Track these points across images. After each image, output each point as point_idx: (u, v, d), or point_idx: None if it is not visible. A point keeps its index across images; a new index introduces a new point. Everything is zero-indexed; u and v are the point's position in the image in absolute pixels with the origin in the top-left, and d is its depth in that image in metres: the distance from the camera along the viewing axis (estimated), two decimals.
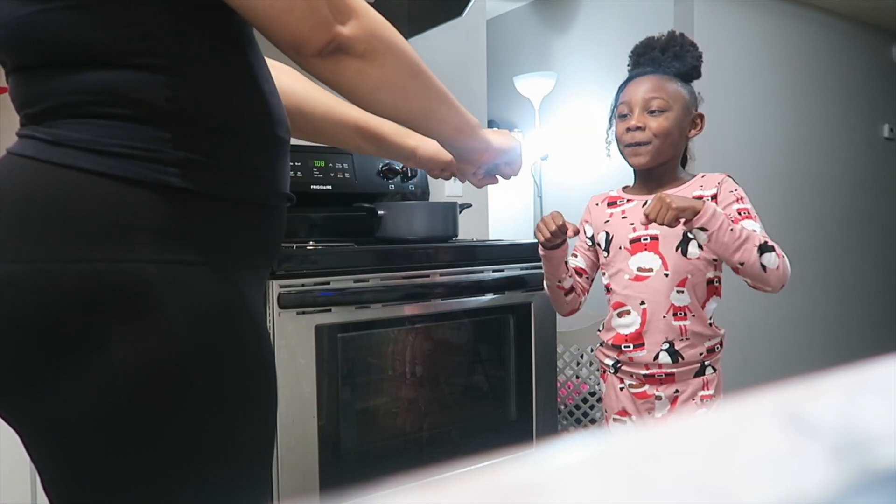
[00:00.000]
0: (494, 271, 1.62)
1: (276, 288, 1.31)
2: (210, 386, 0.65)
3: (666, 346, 1.25)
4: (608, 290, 1.33)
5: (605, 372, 1.36)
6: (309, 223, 1.92)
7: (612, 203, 1.36)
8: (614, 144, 1.33)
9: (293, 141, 0.79)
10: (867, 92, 3.61)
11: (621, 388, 1.32)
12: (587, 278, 1.39)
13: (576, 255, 1.38)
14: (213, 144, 0.66)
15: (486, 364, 1.71)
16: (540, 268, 1.37)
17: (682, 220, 1.10)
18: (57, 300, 0.59)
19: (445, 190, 2.23)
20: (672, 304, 1.24)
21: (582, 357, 2.28)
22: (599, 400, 2.24)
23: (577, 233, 1.21)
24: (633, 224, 1.29)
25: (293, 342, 1.34)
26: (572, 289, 1.34)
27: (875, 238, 3.69)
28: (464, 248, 1.63)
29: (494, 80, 2.90)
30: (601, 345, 1.36)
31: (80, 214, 0.60)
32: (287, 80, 0.95)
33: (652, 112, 1.25)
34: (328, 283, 1.38)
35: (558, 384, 1.99)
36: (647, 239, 1.27)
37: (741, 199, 1.23)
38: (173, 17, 0.64)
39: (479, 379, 1.71)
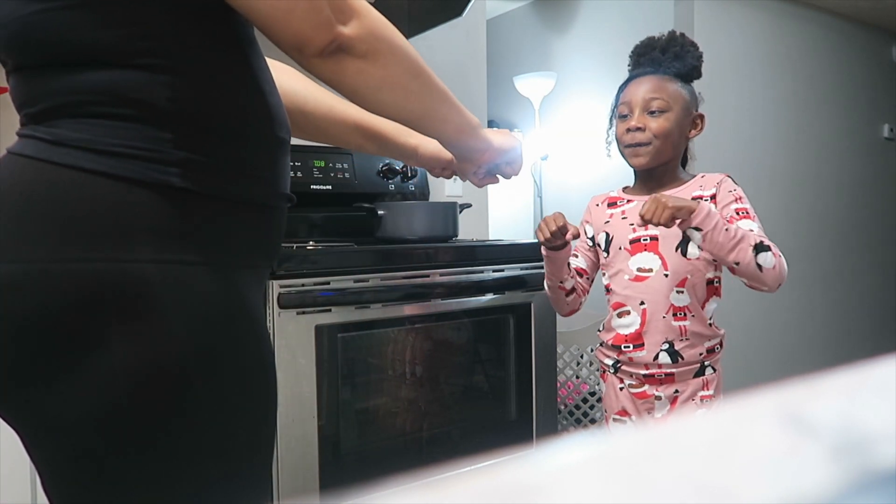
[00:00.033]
0: (494, 271, 1.62)
1: (276, 288, 1.31)
2: (210, 386, 0.65)
3: (666, 346, 1.25)
4: (608, 290, 1.33)
5: (604, 372, 1.36)
6: (309, 223, 1.92)
7: (612, 203, 1.36)
8: (614, 145, 1.33)
9: (293, 141, 0.79)
10: (867, 92, 3.61)
11: (621, 388, 1.32)
12: (587, 279, 1.38)
13: (576, 256, 1.38)
14: (214, 144, 0.66)
15: (486, 364, 1.71)
16: (540, 268, 1.37)
17: (678, 221, 1.10)
18: (57, 300, 0.59)
19: (445, 190, 2.23)
20: (672, 305, 1.24)
21: (582, 357, 2.28)
22: (599, 400, 2.24)
23: (576, 236, 1.21)
24: (633, 224, 1.29)
25: (293, 342, 1.34)
26: (573, 289, 1.34)
27: (875, 238, 3.69)
28: (464, 248, 1.63)
29: (494, 80, 2.91)
30: (601, 345, 1.36)
31: (81, 214, 0.60)
32: (288, 79, 0.95)
33: (652, 113, 1.25)
34: (328, 283, 1.38)
35: (558, 384, 1.99)
36: (646, 239, 1.27)
37: (740, 198, 1.23)
38: (174, 17, 0.64)
39: (479, 379, 1.71)
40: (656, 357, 1.26)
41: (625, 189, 1.37)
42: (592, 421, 2.26)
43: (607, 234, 1.33)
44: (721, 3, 2.91)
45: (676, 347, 1.25)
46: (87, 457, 0.62)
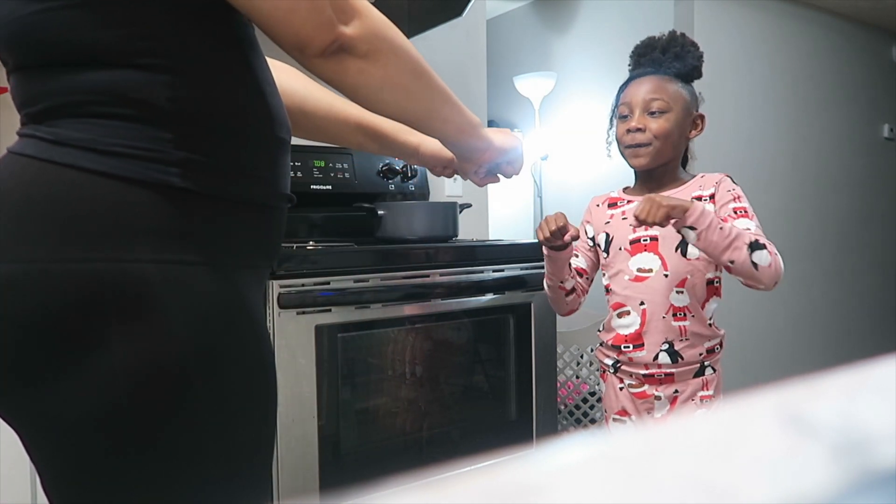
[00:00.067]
0: (494, 271, 1.62)
1: (276, 288, 1.31)
2: (210, 386, 0.65)
3: (665, 346, 1.25)
4: (608, 290, 1.33)
5: (604, 372, 1.36)
6: (309, 223, 1.92)
7: (612, 204, 1.36)
8: (615, 145, 1.33)
9: (293, 141, 0.80)
10: (867, 92, 3.61)
11: (621, 388, 1.32)
12: (587, 279, 1.39)
13: (577, 255, 1.38)
14: (214, 144, 0.66)
15: (486, 364, 1.71)
16: (540, 268, 1.37)
17: (673, 220, 1.10)
18: (57, 300, 0.59)
19: (445, 190, 2.23)
20: (671, 305, 1.24)
21: (582, 357, 2.28)
22: (599, 400, 2.24)
23: (575, 237, 1.21)
24: (633, 225, 1.29)
25: (293, 342, 1.34)
26: (573, 289, 1.34)
27: (875, 238, 3.69)
28: (464, 248, 1.63)
29: (494, 80, 2.91)
30: (601, 345, 1.37)
31: (81, 214, 0.60)
32: (288, 79, 0.95)
33: (652, 113, 1.25)
34: (328, 283, 1.38)
35: (558, 384, 1.99)
36: (646, 240, 1.27)
37: (738, 197, 1.22)
38: (174, 17, 0.64)
39: (479, 379, 1.71)
40: (656, 357, 1.26)
41: (625, 189, 1.37)
42: (592, 421, 2.26)
43: (607, 235, 1.33)
44: (721, 3, 2.91)
45: (676, 347, 1.25)
46: (87, 457, 0.62)
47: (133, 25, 0.63)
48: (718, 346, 1.29)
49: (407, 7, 1.84)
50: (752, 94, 3.05)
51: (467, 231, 2.12)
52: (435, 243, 1.65)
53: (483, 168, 1.02)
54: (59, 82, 0.63)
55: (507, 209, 3.29)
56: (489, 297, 1.61)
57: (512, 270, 1.64)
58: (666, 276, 1.25)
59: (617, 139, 1.31)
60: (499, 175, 1.05)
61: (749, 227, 1.16)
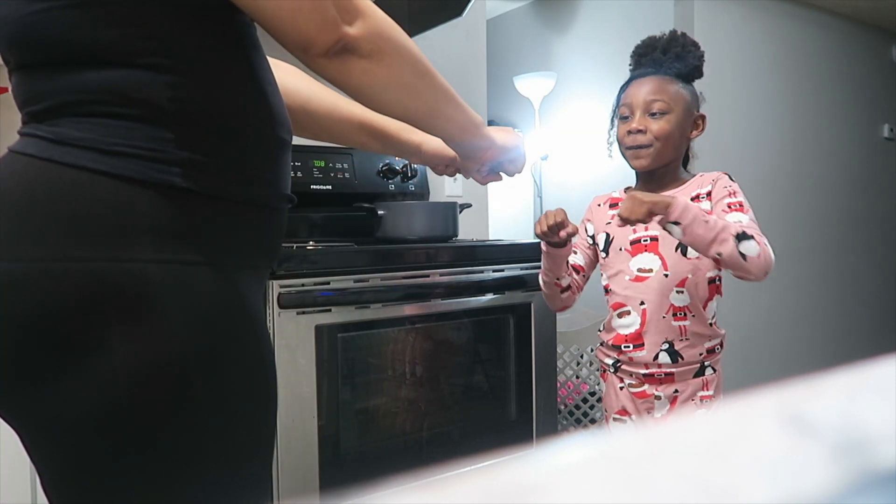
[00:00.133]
0: (494, 271, 1.62)
1: (276, 288, 1.31)
2: (210, 386, 0.65)
3: (665, 346, 1.25)
4: (607, 290, 1.33)
5: (605, 371, 1.36)
6: (309, 223, 1.92)
7: (613, 204, 1.36)
8: (616, 145, 1.33)
9: (293, 141, 0.80)
10: (867, 92, 3.61)
11: (621, 388, 1.32)
12: (583, 276, 1.38)
13: (575, 252, 1.38)
14: (215, 145, 0.66)
15: (486, 364, 1.71)
16: (540, 267, 1.37)
17: (658, 217, 1.10)
18: (57, 300, 0.59)
19: (445, 190, 2.23)
20: (672, 305, 1.24)
21: (582, 357, 2.28)
22: (599, 400, 2.24)
23: (571, 234, 1.20)
24: (619, 225, 1.29)
25: (293, 342, 1.34)
26: (569, 286, 1.33)
27: (875, 238, 3.69)
28: (464, 248, 1.63)
29: (494, 80, 2.91)
30: (601, 344, 1.37)
31: (82, 213, 0.60)
32: (291, 79, 0.95)
33: (653, 114, 1.25)
34: (328, 283, 1.38)
35: (558, 384, 1.99)
36: (647, 240, 1.27)
37: (733, 193, 1.22)
38: (176, 17, 0.64)
39: (479, 379, 1.71)
40: (656, 357, 1.26)
41: (627, 190, 1.37)
42: (592, 421, 2.26)
43: (608, 235, 1.33)
44: (721, 3, 2.91)
45: (676, 347, 1.25)
46: (87, 457, 0.62)
47: (135, 25, 0.63)
48: (719, 347, 1.29)
49: (407, 7, 1.84)
50: (751, 95, 3.05)
51: (467, 231, 2.12)
52: (435, 243, 1.65)
53: (485, 166, 1.02)
54: (61, 81, 0.63)
55: (507, 209, 3.29)
56: (489, 297, 1.61)
57: (512, 270, 1.64)
58: (666, 275, 1.25)
59: (618, 140, 1.31)
60: (501, 173, 1.05)
61: (741, 221, 1.15)
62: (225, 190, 0.67)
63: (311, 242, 1.61)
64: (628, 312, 1.28)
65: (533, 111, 3.18)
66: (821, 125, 3.37)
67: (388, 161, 2.00)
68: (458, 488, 0.16)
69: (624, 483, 0.17)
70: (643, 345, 1.27)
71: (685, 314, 1.25)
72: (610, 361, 1.33)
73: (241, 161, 0.69)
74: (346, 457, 1.43)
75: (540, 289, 1.39)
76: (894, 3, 3.26)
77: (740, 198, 1.21)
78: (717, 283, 1.27)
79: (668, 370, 1.26)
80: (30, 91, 0.65)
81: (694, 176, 1.30)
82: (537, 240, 1.31)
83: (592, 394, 2.26)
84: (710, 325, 1.27)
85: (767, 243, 1.12)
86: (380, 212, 1.73)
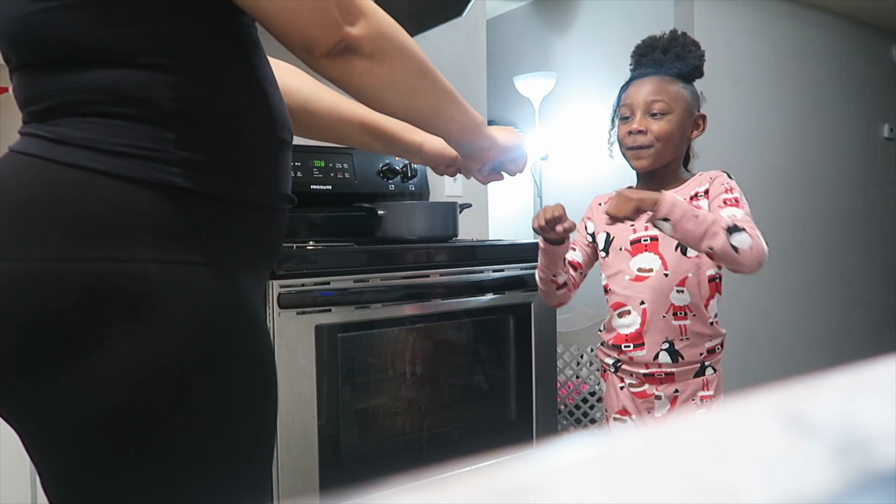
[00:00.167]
0: (494, 271, 1.62)
1: (276, 288, 1.31)
2: (210, 386, 0.65)
3: (666, 345, 1.25)
4: (607, 290, 1.33)
5: (605, 371, 1.36)
6: (309, 223, 1.92)
7: None
8: (617, 145, 1.33)
9: (294, 140, 0.80)
10: (867, 92, 3.61)
11: (621, 388, 1.32)
12: (581, 273, 1.38)
13: (574, 249, 1.38)
14: (216, 145, 0.66)
15: (486, 364, 1.71)
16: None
17: (648, 215, 1.09)
18: (58, 299, 0.59)
19: (445, 190, 2.23)
20: (672, 304, 1.24)
21: (582, 357, 2.28)
22: (599, 400, 2.24)
23: (568, 230, 1.20)
24: (633, 225, 1.29)
25: (293, 342, 1.34)
26: (565, 283, 1.33)
27: (875, 238, 3.69)
28: (464, 248, 1.63)
29: (494, 80, 2.91)
30: (602, 344, 1.37)
31: (82, 213, 0.60)
32: (292, 78, 0.95)
33: (654, 115, 1.25)
34: (328, 283, 1.38)
35: (558, 384, 1.99)
36: (647, 240, 1.27)
37: (730, 189, 1.21)
38: (177, 17, 0.64)
39: (479, 379, 1.71)
40: (656, 356, 1.26)
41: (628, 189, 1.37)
42: (592, 421, 2.26)
43: (608, 235, 1.33)
44: (721, 3, 2.91)
45: (676, 347, 1.25)
46: (87, 457, 0.62)
47: (136, 25, 0.63)
48: (719, 347, 1.29)
49: (407, 7, 1.84)
50: (751, 94, 3.05)
51: (467, 231, 2.12)
52: (435, 243, 1.65)
53: (487, 166, 1.02)
54: (62, 81, 0.63)
55: (507, 209, 3.29)
56: (489, 297, 1.61)
57: (512, 270, 1.63)
58: (666, 275, 1.25)
59: (618, 140, 1.31)
60: (502, 173, 1.05)
61: (735, 215, 1.14)
62: (225, 190, 0.67)
63: (311, 242, 1.61)
64: (628, 312, 1.28)
65: (533, 111, 3.18)
66: (821, 125, 3.37)
67: (388, 161, 2.00)
68: (458, 488, 0.16)
69: (624, 483, 0.17)
70: (643, 344, 1.27)
71: (685, 313, 1.25)
72: (610, 361, 1.34)
73: (241, 161, 0.69)
74: (346, 457, 1.43)
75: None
76: (894, 3, 3.26)
77: (736, 194, 1.20)
78: (718, 281, 1.27)
79: (669, 370, 1.26)
80: (30, 90, 0.65)
81: (693, 175, 1.30)
82: (537, 239, 1.31)
83: (592, 394, 2.26)
84: (711, 324, 1.27)
85: (761, 236, 1.11)
86: (380, 212, 1.73)
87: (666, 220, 1.08)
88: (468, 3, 1.84)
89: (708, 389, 1.28)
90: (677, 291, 1.24)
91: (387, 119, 1.01)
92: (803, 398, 0.21)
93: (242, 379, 0.68)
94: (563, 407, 2.26)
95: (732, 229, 1.08)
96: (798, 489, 0.17)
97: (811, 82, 3.32)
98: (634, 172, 1.34)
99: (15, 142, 0.65)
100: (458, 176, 1.11)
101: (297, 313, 1.34)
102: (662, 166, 1.27)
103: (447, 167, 1.09)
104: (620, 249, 1.30)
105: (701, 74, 1.31)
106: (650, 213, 1.09)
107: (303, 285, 1.34)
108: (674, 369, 1.26)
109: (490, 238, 2.24)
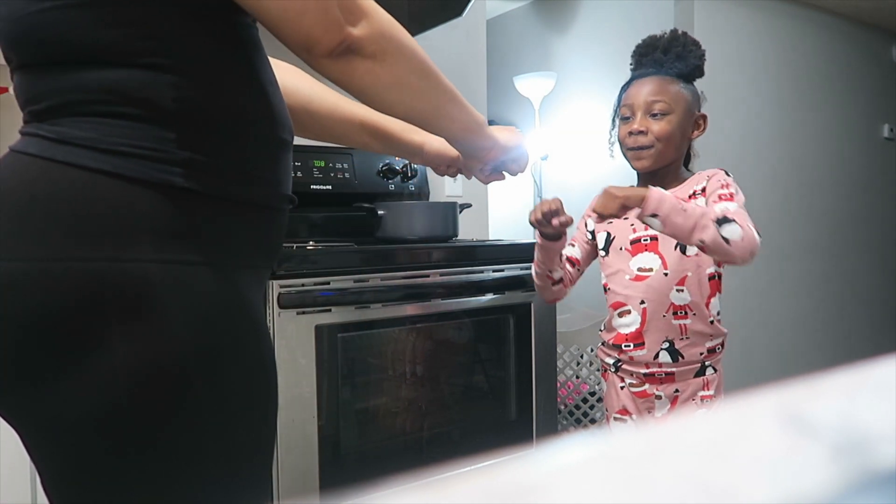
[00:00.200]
0: (494, 271, 1.62)
1: (276, 288, 1.31)
2: (210, 386, 0.65)
3: (666, 344, 1.25)
4: (606, 289, 1.33)
5: (606, 371, 1.36)
6: (309, 223, 1.92)
7: None
8: (617, 145, 1.33)
9: (295, 140, 0.80)
10: (867, 92, 3.61)
11: (622, 388, 1.32)
12: (578, 269, 1.38)
13: (572, 245, 1.38)
14: (217, 145, 0.66)
15: (486, 364, 1.71)
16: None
17: (636, 211, 1.09)
18: (58, 299, 0.59)
19: (445, 190, 2.23)
20: (672, 303, 1.24)
21: (582, 357, 2.28)
22: (599, 400, 2.24)
23: (564, 224, 1.18)
24: (633, 225, 1.29)
25: (293, 342, 1.34)
26: (560, 279, 1.33)
27: (875, 238, 3.69)
28: (464, 248, 1.63)
29: (494, 80, 2.91)
30: (602, 344, 1.37)
31: (83, 213, 0.60)
32: (292, 79, 0.95)
33: (654, 115, 1.24)
34: (328, 283, 1.38)
35: (558, 384, 1.99)
36: (647, 239, 1.27)
37: (726, 185, 1.20)
38: (178, 17, 0.64)
39: (479, 379, 1.71)
40: (656, 356, 1.26)
41: None
42: (592, 421, 2.26)
43: (608, 234, 1.33)
44: (721, 3, 2.91)
45: (677, 346, 1.25)
46: (87, 457, 0.62)
47: (137, 25, 0.63)
48: (720, 346, 1.29)
49: (407, 7, 1.84)
50: (751, 94, 3.05)
51: (467, 231, 2.12)
52: (435, 243, 1.65)
53: (488, 166, 1.02)
54: (63, 81, 0.63)
55: (507, 209, 3.29)
56: (489, 297, 1.61)
57: (512, 270, 1.63)
58: (666, 274, 1.25)
59: (619, 140, 1.31)
60: (504, 173, 1.05)
61: (728, 209, 1.13)
62: (226, 190, 0.67)
63: (311, 242, 1.61)
64: (629, 312, 1.28)
65: (533, 111, 3.18)
66: (821, 125, 3.37)
67: (388, 161, 2.00)
68: (458, 488, 0.16)
69: (624, 483, 0.17)
70: (643, 344, 1.27)
71: (686, 312, 1.25)
72: (611, 361, 1.34)
73: (241, 161, 0.69)
74: (346, 457, 1.43)
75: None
76: (894, 3, 3.26)
77: (731, 189, 1.19)
78: (718, 279, 1.27)
79: (669, 370, 1.26)
80: (31, 90, 0.65)
81: (693, 174, 1.30)
82: (529, 222, 1.29)
83: (592, 394, 2.26)
84: (712, 322, 1.26)
85: (753, 227, 1.10)
86: (380, 212, 1.73)
87: (654, 216, 1.08)
88: (468, 3, 1.84)
89: (708, 389, 1.28)
90: (677, 291, 1.24)
91: (388, 119, 1.01)
92: (803, 398, 0.21)
93: (242, 379, 0.68)
94: (563, 407, 2.26)
95: (722, 221, 1.07)
96: (798, 489, 0.17)
97: (811, 82, 3.32)
98: (635, 172, 1.34)
99: (16, 141, 0.65)
100: (459, 176, 1.11)
101: (297, 313, 1.34)
102: (663, 166, 1.27)
103: (448, 168, 1.09)
104: (620, 249, 1.30)
105: (701, 74, 1.31)
106: (638, 209, 1.09)
107: (303, 285, 1.34)
108: (674, 369, 1.26)
109: (490, 238, 2.24)
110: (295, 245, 1.48)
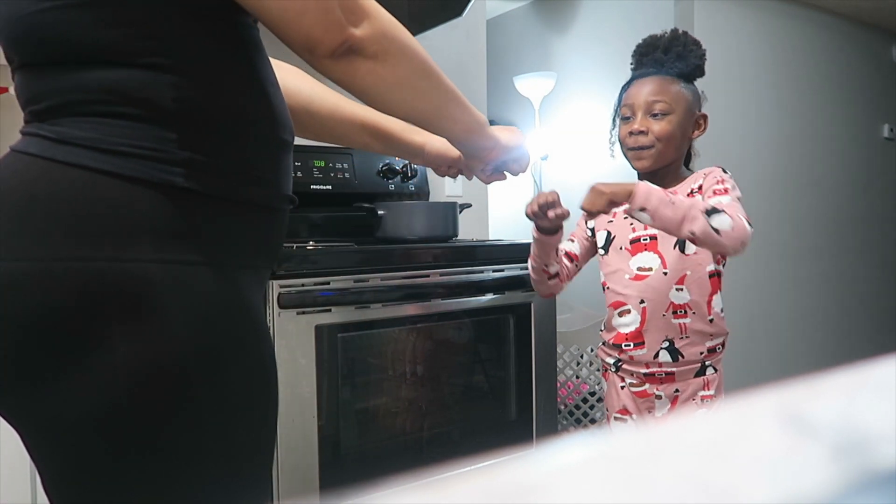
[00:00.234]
0: (494, 271, 1.62)
1: (276, 288, 1.31)
2: (210, 386, 0.65)
3: (666, 344, 1.25)
4: (605, 288, 1.33)
5: (606, 370, 1.36)
6: (309, 223, 1.92)
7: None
8: (618, 145, 1.33)
9: (295, 140, 0.80)
10: (867, 92, 3.61)
11: (622, 387, 1.32)
12: (576, 265, 1.37)
13: (572, 241, 1.38)
14: (217, 145, 0.66)
15: (486, 364, 1.71)
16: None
17: (624, 207, 1.09)
18: (58, 299, 0.59)
19: (445, 190, 2.23)
20: (671, 303, 1.24)
21: (582, 357, 2.28)
22: (599, 400, 2.24)
23: (560, 216, 1.18)
24: (632, 224, 1.29)
25: (293, 342, 1.34)
26: (556, 274, 1.32)
27: (875, 238, 3.69)
28: (464, 248, 1.63)
29: (494, 80, 2.91)
30: (603, 344, 1.37)
31: (83, 213, 0.60)
32: (294, 80, 0.95)
33: (654, 115, 1.25)
34: (328, 283, 1.38)
35: (558, 384, 1.99)
36: (646, 239, 1.27)
37: (721, 181, 1.20)
38: (180, 18, 0.64)
39: (479, 379, 1.71)
40: (656, 355, 1.26)
41: None
42: (592, 421, 2.26)
43: (608, 234, 1.33)
44: (721, 3, 2.91)
45: (676, 345, 1.25)
46: (87, 456, 0.62)
47: (138, 25, 0.63)
48: (720, 346, 1.29)
49: (407, 7, 1.84)
50: (751, 94, 3.05)
51: (467, 231, 2.12)
52: (435, 243, 1.65)
53: (490, 166, 1.02)
54: (64, 81, 0.63)
55: (507, 209, 3.29)
56: (489, 297, 1.61)
57: (512, 270, 1.63)
58: (665, 273, 1.25)
59: (619, 140, 1.31)
60: (505, 173, 1.05)
61: (721, 202, 1.13)
62: (226, 190, 0.67)
63: (311, 242, 1.61)
64: (628, 311, 1.28)
65: (533, 111, 3.18)
66: (821, 125, 3.37)
67: (388, 161, 2.00)
68: (458, 488, 0.16)
69: (624, 483, 0.17)
70: (643, 343, 1.27)
71: (685, 311, 1.25)
72: (611, 361, 1.34)
73: (242, 161, 0.69)
74: (346, 457, 1.43)
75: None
76: (894, 3, 3.26)
77: (726, 184, 1.19)
78: (719, 276, 1.27)
79: (669, 369, 1.26)
80: (32, 90, 0.65)
81: (693, 173, 1.30)
82: (525, 214, 1.28)
83: (592, 394, 2.26)
84: (711, 321, 1.26)
85: (745, 218, 1.09)
86: (380, 212, 1.73)
87: (643, 210, 1.07)
88: (468, 3, 1.84)
89: (709, 389, 1.28)
90: (676, 290, 1.24)
91: (388, 120, 1.01)
92: (803, 398, 0.21)
93: (243, 379, 0.68)
94: (563, 407, 2.26)
95: (711, 211, 1.07)
96: (798, 489, 0.17)
97: (811, 82, 3.32)
98: (635, 172, 1.34)
99: (17, 141, 0.65)
100: (459, 176, 1.11)
101: (297, 313, 1.34)
102: (663, 166, 1.27)
103: (449, 168, 1.08)
104: (620, 248, 1.30)
105: (702, 74, 1.31)
106: (627, 205, 1.09)
107: (303, 285, 1.34)
108: (674, 369, 1.26)
109: (490, 238, 2.24)
110: (295, 245, 1.48)
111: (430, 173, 2.05)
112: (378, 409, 1.52)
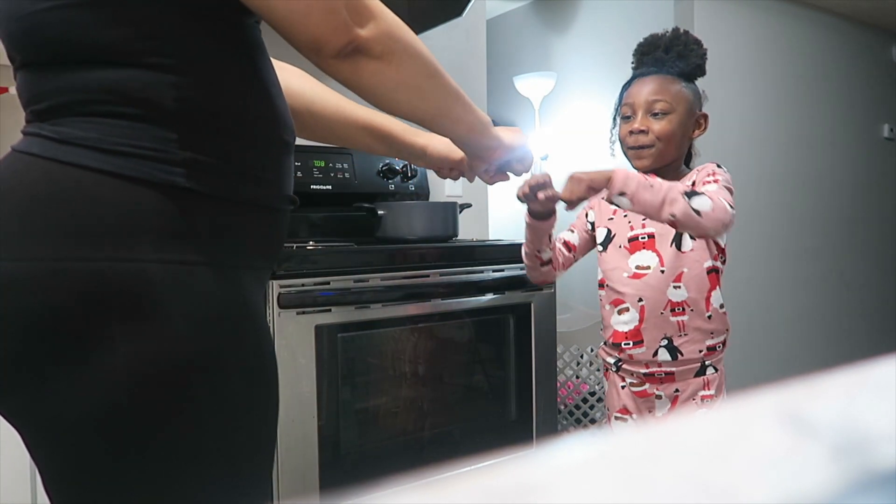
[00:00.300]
0: (494, 271, 1.62)
1: (276, 288, 1.31)
2: (210, 386, 0.65)
3: (664, 342, 1.25)
4: (602, 285, 1.33)
5: (607, 370, 1.37)
6: (309, 223, 1.92)
7: None
8: (618, 144, 1.33)
9: (296, 141, 0.80)
10: (867, 92, 3.61)
11: (623, 387, 1.32)
12: (573, 255, 1.36)
13: (572, 231, 1.37)
14: (219, 146, 0.66)
15: (486, 364, 1.71)
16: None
17: (604, 193, 1.08)
18: (59, 299, 0.59)
19: (445, 190, 2.23)
20: (669, 300, 1.24)
21: (582, 357, 2.28)
22: (599, 400, 2.25)
23: (551, 198, 1.16)
24: (631, 223, 1.29)
25: (293, 342, 1.34)
26: (549, 260, 1.32)
27: (875, 238, 3.69)
28: (464, 248, 1.63)
29: (494, 80, 2.91)
30: (604, 343, 1.37)
31: (84, 213, 0.60)
32: (295, 80, 0.95)
33: (655, 114, 1.25)
34: (328, 283, 1.38)
35: (558, 384, 2.00)
36: (644, 237, 1.28)
37: (712, 173, 1.20)
38: (181, 18, 0.64)
39: (479, 379, 1.71)
40: (655, 353, 1.26)
41: None
42: (592, 421, 2.27)
43: (608, 231, 1.33)
44: (721, 3, 2.91)
45: (675, 343, 1.25)
46: (88, 456, 0.62)
47: (139, 25, 0.63)
48: (720, 345, 1.29)
49: (407, 7, 1.84)
50: (751, 94, 3.05)
51: (467, 231, 2.12)
52: (435, 243, 1.65)
53: (493, 166, 1.02)
54: (65, 80, 0.63)
55: (507, 209, 3.29)
56: (489, 297, 1.61)
57: (512, 270, 1.63)
58: (662, 272, 1.25)
59: (620, 139, 1.31)
60: (508, 173, 1.05)
61: (708, 189, 1.13)
62: (227, 191, 0.67)
63: (311, 242, 1.62)
64: (627, 309, 1.28)
65: (533, 111, 3.18)
66: (821, 125, 3.37)
67: (388, 161, 2.00)
68: (458, 488, 0.16)
69: (624, 483, 0.17)
70: (642, 342, 1.27)
71: (683, 309, 1.25)
72: (612, 360, 1.34)
73: (244, 162, 0.69)
74: (346, 457, 1.43)
75: (540, 289, 1.38)
76: (894, 3, 3.26)
77: (718, 176, 1.19)
78: (717, 272, 1.27)
79: (669, 369, 1.26)
80: (34, 90, 0.65)
81: (692, 171, 1.30)
82: (517, 197, 1.26)
83: (592, 394, 2.26)
84: (710, 318, 1.26)
85: (727, 201, 1.09)
86: (380, 212, 1.73)
87: (622, 194, 1.07)
88: (468, 3, 1.84)
89: (709, 389, 1.28)
90: (674, 287, 1.24)
91: (391, 121, 1.01)
92: (803, 398, 0.21)
93: (243, 379, 0.68)
94: (563, 407, 2.26)
95: (691, 194, 1.07)
96: (798, 489, 0.17)
97: (811, 82, 3.32)
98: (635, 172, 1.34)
99: (18, 141, 0.65)
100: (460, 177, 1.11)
101: (297, 313, 1.34)
102: (664, 165, 1.28)
103: (451, 171, 1.08)
104: (619, 247, 1.30)
105: (703, 73, 1.31)
106: (606, 191, 1.08)
107: (303, 285, 1.34)
108: (674, 368, 1.26)
109: (490, 238, 2.24)
110: (295, 245, 1.48)
111: (431, 173, 2.05)
112: (378, 409, 1.52)
